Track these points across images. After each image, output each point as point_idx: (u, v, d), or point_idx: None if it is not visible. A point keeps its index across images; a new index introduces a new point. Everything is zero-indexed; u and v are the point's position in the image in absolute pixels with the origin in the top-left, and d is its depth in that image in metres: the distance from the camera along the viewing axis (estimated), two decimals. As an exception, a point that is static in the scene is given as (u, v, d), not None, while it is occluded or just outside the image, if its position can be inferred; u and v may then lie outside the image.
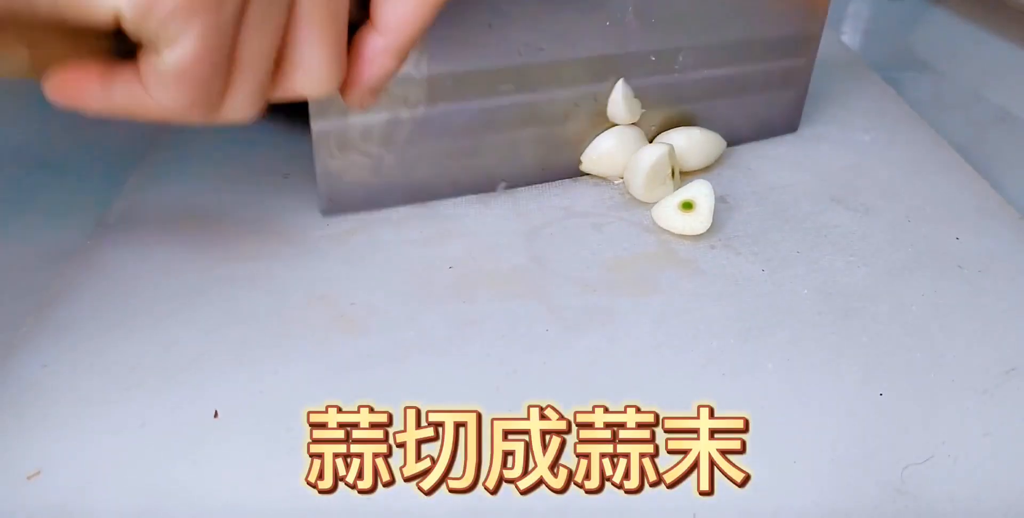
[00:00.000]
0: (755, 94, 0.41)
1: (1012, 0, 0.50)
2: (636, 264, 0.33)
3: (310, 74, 0.25)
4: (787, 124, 0.43)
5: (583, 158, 0.38)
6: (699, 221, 0.34)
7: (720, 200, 0.37)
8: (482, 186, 0.37)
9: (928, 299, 0.31)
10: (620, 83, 0.37)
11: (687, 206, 0.33)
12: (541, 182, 0.38)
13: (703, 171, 0.39)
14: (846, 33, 0.61)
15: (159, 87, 0.23)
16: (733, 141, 0.41)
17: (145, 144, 0.42)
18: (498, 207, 0.37)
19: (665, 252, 0.34)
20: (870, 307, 0.31)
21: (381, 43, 0.26)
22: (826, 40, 0.53)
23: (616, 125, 0.38)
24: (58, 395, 0.27)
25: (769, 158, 0.41)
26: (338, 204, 0.35)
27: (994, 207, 0.37)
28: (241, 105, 0.25)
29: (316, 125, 0.33)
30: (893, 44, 0.58)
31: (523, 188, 0.38)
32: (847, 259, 0.33)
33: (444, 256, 0.33)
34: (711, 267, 0.33)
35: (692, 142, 0.38)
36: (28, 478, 0.24)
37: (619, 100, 0.37)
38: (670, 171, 0.36)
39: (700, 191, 0.34)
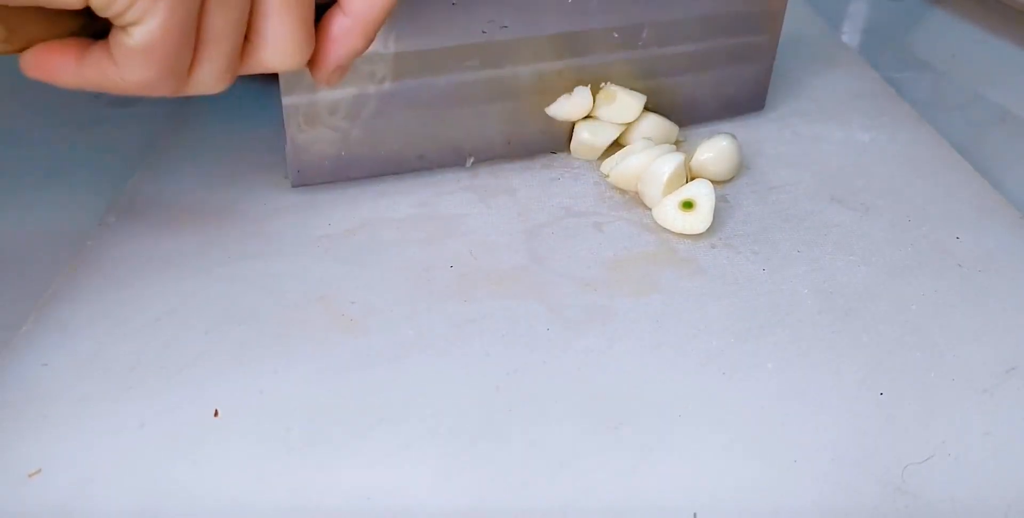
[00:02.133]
0: (719, 70, 0.41)
1: (1012, 0, 0.50)
2: (636, 264, 0.33)
3: (277, 48, 0.26)
4: (752, 102, 0.44)
5: (610, 172, 0.38)
6: (699, 220, 0.34)
7: (720, 199, 0.37)
8: (449, 160, 0.38)
9: (928, 298, 0.31)
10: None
11: (687, 205, 0.33)
12: (507, 157, 0.39)
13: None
14: (846, 33, 0.61)
15: (128, 63, 0.24)
16: (697, 119, 0.42)
17: (146, 144, 0.42)
18: (498, 207, 0.37)
19: (665, 251, 0.34)
20: (870, 306, 0.31)
21: (348, 23, 0.27)
22: (826, 40, 0.53)
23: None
24: (58, 394, 0.27)
25: (769, 157, 0.41)
26: (306, 175, 0.37)
27: (994, 206, 0.37)
28: (209, 78, 0.26)
29: (286, 99, 0.34)
30: (893, 44, 0.58)
31: (523, 187, 0.38)
32: (847, 258, 0.33)
33: (444, 256, 0.33)
34: (711, 266, 0.33)
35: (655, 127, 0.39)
36: (28, 477, 0.24)
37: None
38: (685, 179, 0.36)
39: (700, 191, 0.34)
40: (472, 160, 0.39)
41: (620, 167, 0.37)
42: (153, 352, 0.28)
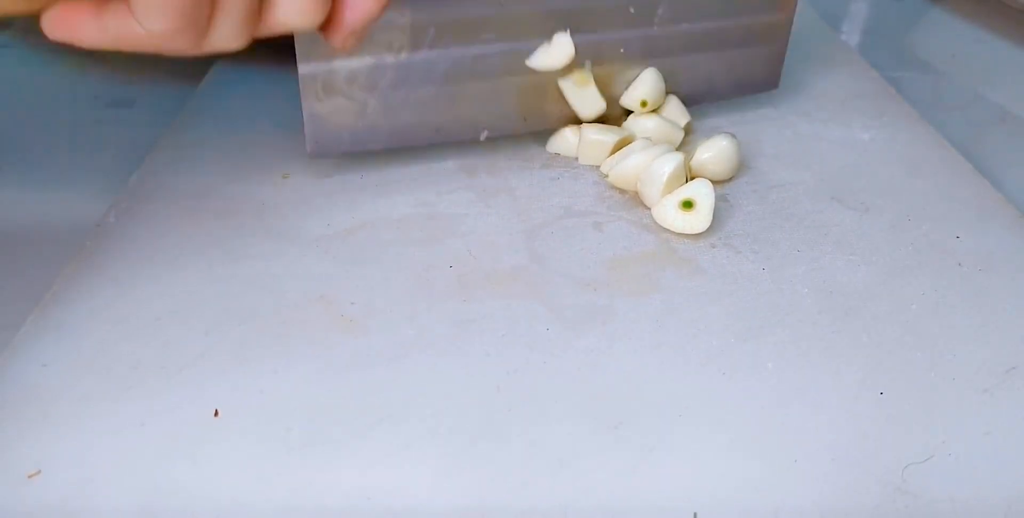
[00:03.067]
0: (734, 49, 0.42)
1: (1012, 0, 0.50)
2: (636, 263, 0.33)
3: (293, 5, 0.26)
4: (767, 80, 0.44)
5: (610, 172, 0.38)
6: (699, 220, 0.34)
7: (720, 198, 0.37)
8: (464, 133, 0.39)
9: (928, 298, 0.31)
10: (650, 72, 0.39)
11: (687, 205, 0.33)
12: (524, 132, 0.39)
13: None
14: (846, 32, 0.61)
15: (147, 14, 0.24)
16: (711, 98, 0.43)
17: (146, 144, 0.42)
18: (498, 206, 0.37)
19: (665, 251, 0.34)
20: (870, 306, 0.31)
21: None
22: (826, 39, 0.53)
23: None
24: (58, 394, 0.27)
25: (769, 157, 0.41)
26: (323, 146, 0.37)
27: (994, 206, 0.37)
28: (228, 33, 0.26)
29: (303, 68, 0.34)
30: (893, 43, 0.58)
31: (523, 187, 0.38)
32: (847, 258, 0.33)
33: (444, 256, 0.33)
34: (711, 266, 0.33)
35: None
36: (28, 477, 0.24)
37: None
38: (685, 179, 0.36)
39: (700, 190, 0.34)
40: (486, 133, 0.39)
41: (620, 167, 0.37)
42: (153, 352, 0.28)
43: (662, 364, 0.28)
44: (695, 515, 0.24)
